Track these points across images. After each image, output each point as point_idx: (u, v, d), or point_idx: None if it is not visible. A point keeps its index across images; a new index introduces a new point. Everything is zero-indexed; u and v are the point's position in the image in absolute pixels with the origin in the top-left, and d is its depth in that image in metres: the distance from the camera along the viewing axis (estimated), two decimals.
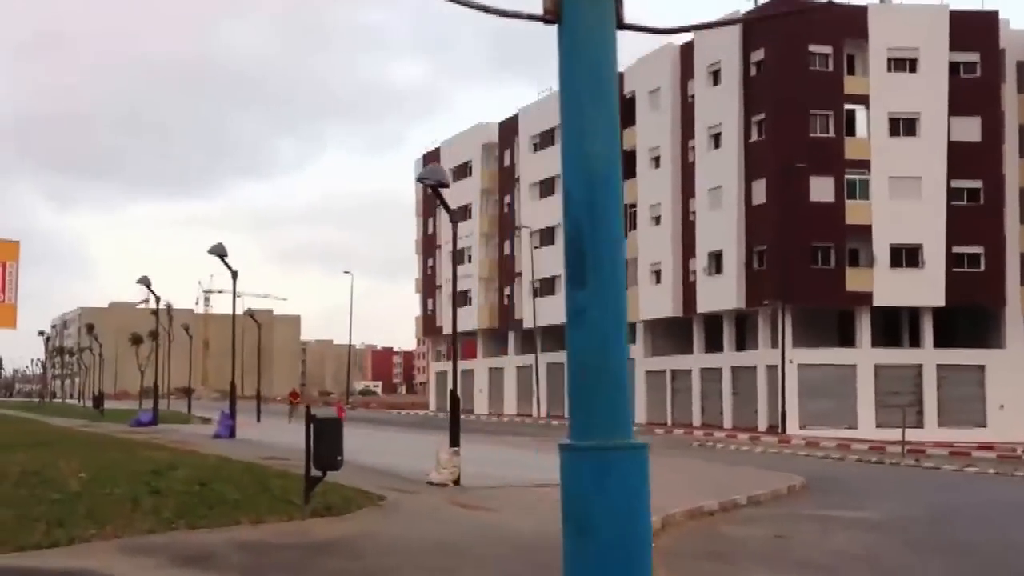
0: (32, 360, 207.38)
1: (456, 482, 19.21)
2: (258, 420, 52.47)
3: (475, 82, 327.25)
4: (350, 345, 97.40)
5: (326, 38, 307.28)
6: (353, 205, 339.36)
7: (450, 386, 19.97)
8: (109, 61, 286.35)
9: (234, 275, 33.61)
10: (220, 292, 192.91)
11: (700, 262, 59.64)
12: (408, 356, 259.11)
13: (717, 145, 58.36)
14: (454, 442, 19.72)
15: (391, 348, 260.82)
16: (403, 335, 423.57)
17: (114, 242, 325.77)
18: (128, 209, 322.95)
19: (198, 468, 19.79)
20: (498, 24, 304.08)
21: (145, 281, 41.75)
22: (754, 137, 56.25)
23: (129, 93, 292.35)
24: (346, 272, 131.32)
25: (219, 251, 32.24)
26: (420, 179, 19.46)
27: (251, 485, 16.72)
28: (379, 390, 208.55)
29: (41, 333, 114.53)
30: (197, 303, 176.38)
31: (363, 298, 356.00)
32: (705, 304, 59.58)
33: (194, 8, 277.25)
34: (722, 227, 57.50)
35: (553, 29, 4.69)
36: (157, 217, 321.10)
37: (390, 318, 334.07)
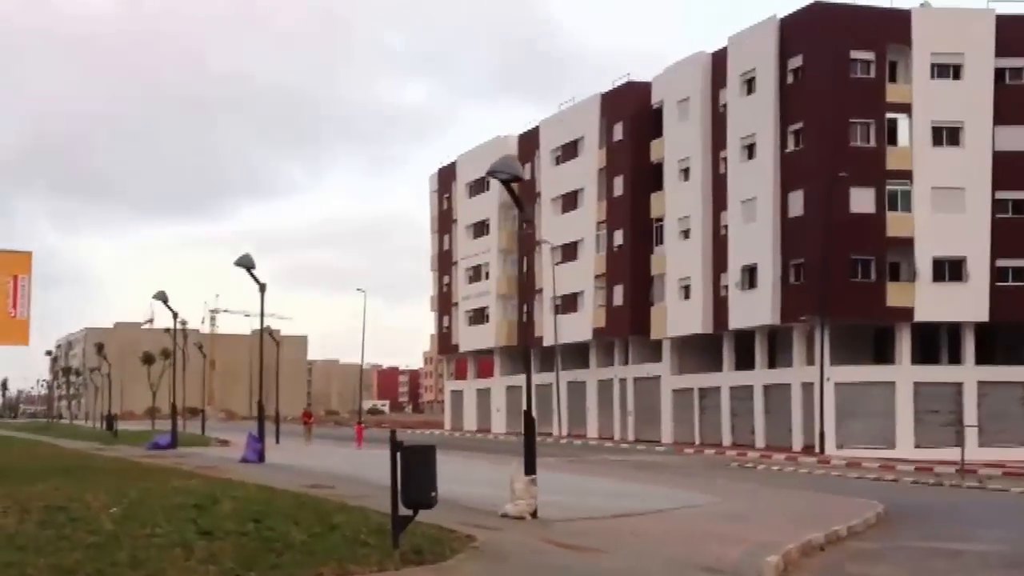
0: (38, 380, 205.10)
1: (534, 515, 17.09)
2: (277, 442, 50.55)
3: (478, 103, 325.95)
4: (362, 364, 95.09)
5: (329, 60, 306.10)
6: (355, 226, 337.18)
7: (524, 406, 17.80)
8: (112, 82, 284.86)
9: (262, 288, 31.56)
10: (226, 312, 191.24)
11: (732, 277, 57.54)
12: (414, 375, 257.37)
13: (751, 156, 56.36)
14: (530, 470, 17.54)
15: (396, 367, 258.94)
16: (406, 354, 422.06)
17: (117, 263, 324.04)
18: (131, 230, 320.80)
19: (243, 501, 17.55)
20: (500, 45, 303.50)
21: (162, 296, 39.72)
22: (791, 147, 54.27)
23: (132, 114, 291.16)
24: (359, 290, 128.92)
25: (246, 262, 30.24)
26: (491, 173, 17.15)
27: (312, 522, 14.51)
28: (386, 409, 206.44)
29: (49, 353, 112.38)
30: (203, 323, 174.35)
31: (366, 318, 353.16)
32: (737, 320, 57.46)
33: (199, 31, 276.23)
34: (756, 240, 55.45)
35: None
36: (160, 239, 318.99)
37: (393, 338, 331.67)
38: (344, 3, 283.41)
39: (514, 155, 18.81)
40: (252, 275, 30.86)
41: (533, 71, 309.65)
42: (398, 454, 11.19)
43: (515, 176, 16.68)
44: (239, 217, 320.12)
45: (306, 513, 15.63)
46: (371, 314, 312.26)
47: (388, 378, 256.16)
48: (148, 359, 71.68)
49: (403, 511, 11.33)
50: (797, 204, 53.68)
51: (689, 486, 28.41)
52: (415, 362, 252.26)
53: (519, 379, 79.90)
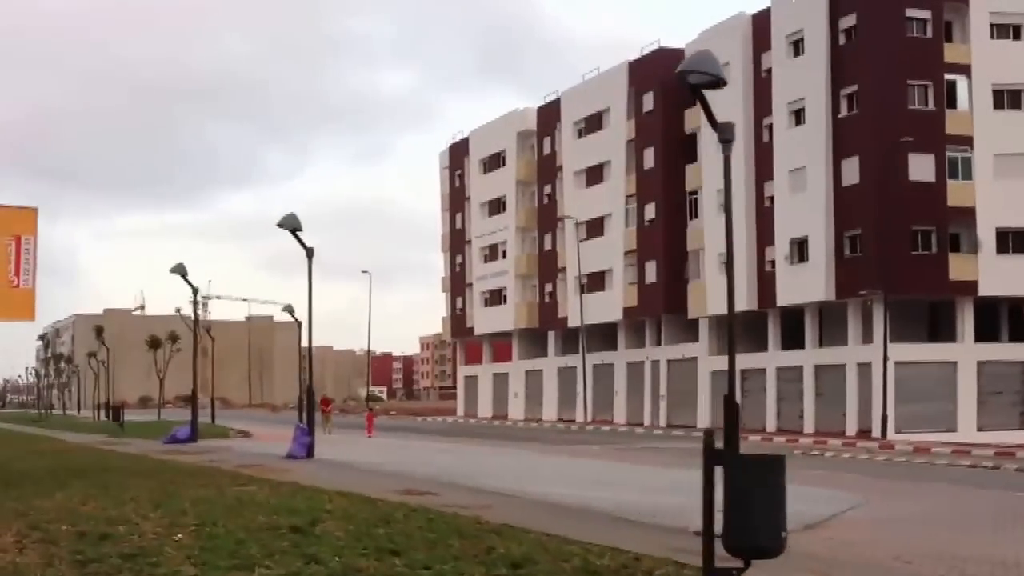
0: (26, 368, 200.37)
1: None
2: None
3: (462, 91, 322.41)
4: (369, 351, 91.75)
5: (311, 48, 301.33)
6: (342, 213, 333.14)
7: (725, 392, 13.99)
8: (94, 70, 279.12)
9: (309, 253, 27.77)
10: (218, 298, 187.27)
11: (780, 251, 54.06)
12: (408, 361, 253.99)
13: (799, 122, 52.82)
14: None
15: (390, 353, 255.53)
16: (396, 340, 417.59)
17: (100, 252, 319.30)
18: (115, 220, 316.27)
19: (349, 519, 13.53)
20: (484, 32, 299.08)
21: (180, 270, 35.92)
22: (844, 112, 50.76)
23: (114, 103, 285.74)
24: (364, 271, 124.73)
25: (291, 223, 26.49)
26: (682, 73, 12.21)
27: (476, 556, 10.70)
28: (384, 396, 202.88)
29: (42, 337, 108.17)
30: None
31: (354, 304, 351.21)
32: (785, 296, 54.00)
33: (181, 18, 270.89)
34: (806, 211, 51.97)
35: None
36: (144, 228, 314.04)
37: (382, 323, 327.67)
38: None
39: (711, 55, 12.87)
40: (297, 238, 27.14)
41: (520, 60, 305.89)
42: (725, 468, 7.03)
43: (716, 79, 11.86)
44: (223, 206, 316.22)
45: (453, 540, 11.71)
46: (361, 301, 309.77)
47: (381, 364, 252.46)
48: (155, 343, 67.69)
49: (728, 563, 7.21)
50: (852, 172, 50.27)
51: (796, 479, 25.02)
52: (407, 348, 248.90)
53: (539, 362, 76.44)
